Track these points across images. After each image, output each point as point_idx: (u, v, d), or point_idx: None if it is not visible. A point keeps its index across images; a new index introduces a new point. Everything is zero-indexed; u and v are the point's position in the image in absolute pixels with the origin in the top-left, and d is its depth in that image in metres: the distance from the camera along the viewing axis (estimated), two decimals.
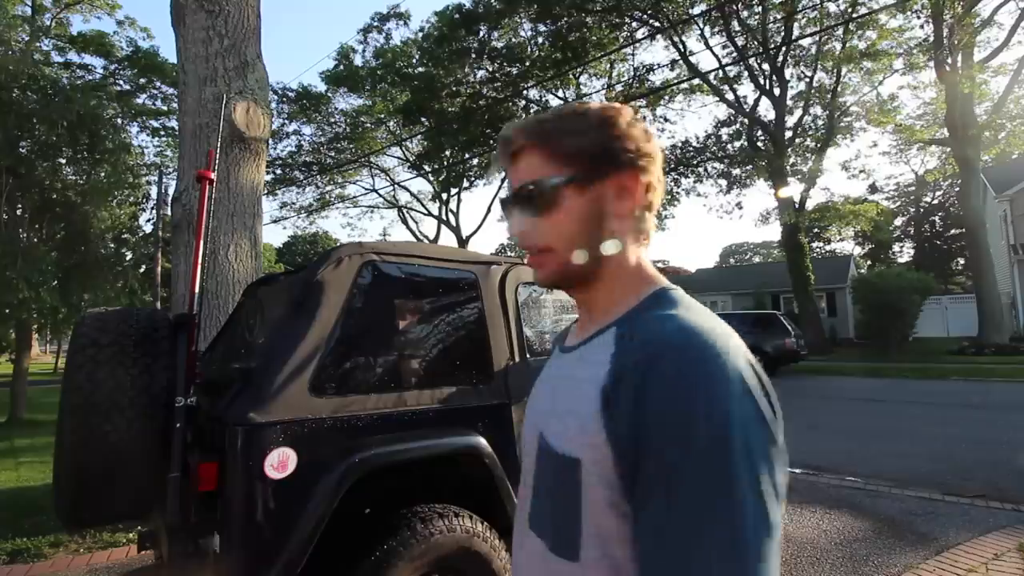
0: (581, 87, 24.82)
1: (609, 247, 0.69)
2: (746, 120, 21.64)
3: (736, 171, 23.68)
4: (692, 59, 21.39)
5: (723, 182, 24.39)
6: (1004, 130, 21.23)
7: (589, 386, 0.63)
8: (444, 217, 30.06)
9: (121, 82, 20.40)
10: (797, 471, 5.36)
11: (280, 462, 1.80)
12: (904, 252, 42.11)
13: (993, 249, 19.60)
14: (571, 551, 0.62)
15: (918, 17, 17.61)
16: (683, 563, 0.50)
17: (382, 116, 27.10)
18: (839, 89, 20.49)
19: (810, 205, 21.48)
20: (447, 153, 25.53)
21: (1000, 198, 21.26)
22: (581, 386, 0.64)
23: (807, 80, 21.09)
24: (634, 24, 21.83)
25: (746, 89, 25.60)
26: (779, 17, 19.03)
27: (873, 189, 37.86)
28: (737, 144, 23.28)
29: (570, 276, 0.70)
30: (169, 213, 6.07)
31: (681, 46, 20.89)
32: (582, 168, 0.67)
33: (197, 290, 2.10)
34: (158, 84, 20.52)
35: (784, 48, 19.53)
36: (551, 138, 0.68)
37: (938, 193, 38.84)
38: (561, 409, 0.67)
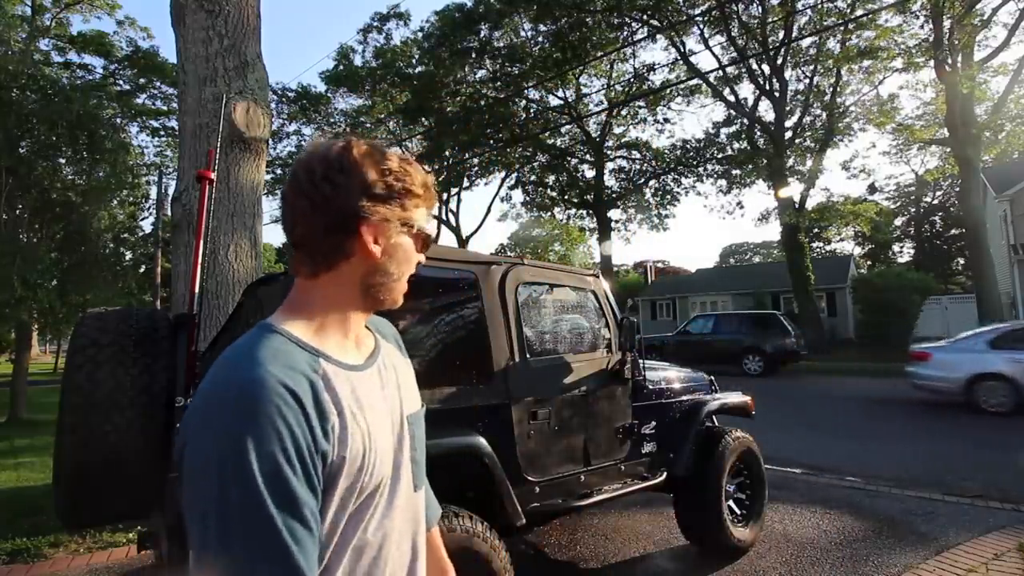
0: (581, 87, 24.84)
1: None
2: (746, 120, 21.64)
3: (736, 171, 23.69)
4: (692, 60, 21.43)
5: (723, 183, 24.43)
6: (1004, 130, 21.21)
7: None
8: (444, 217, 30.10)
9: (121, 82, 20.43)
10: (797, 471, 5.36)
11: None
12: (904, 252, 42.16)
13: (993, 249, 19.58)
14: None
15: (917, 17, 17.60)
16: None
17: (382, 116, 27.11)
18: (838, 89, 20.50)
19: (810, 205, 21.47)
20: (447, 153, 25.53)
21: (1000, 198, 21.24)
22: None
23: (807, 80, 21.10)
24: (634, 24, 21.84)
25: (746, 90, 25.64)
26: (778, 18, 19.01)
27: (873, 189, 37.83)
28: (737, 145, 23.29)
29: None
30: (169, 213, 6.07)
31: (681, 46, 20.90)
32: None
33: (197, 290, 2.10)
34: (158, 84, 20.57)
35: (783, 48, 19.52)
36: None
37: (938, 193, 38.85)
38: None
